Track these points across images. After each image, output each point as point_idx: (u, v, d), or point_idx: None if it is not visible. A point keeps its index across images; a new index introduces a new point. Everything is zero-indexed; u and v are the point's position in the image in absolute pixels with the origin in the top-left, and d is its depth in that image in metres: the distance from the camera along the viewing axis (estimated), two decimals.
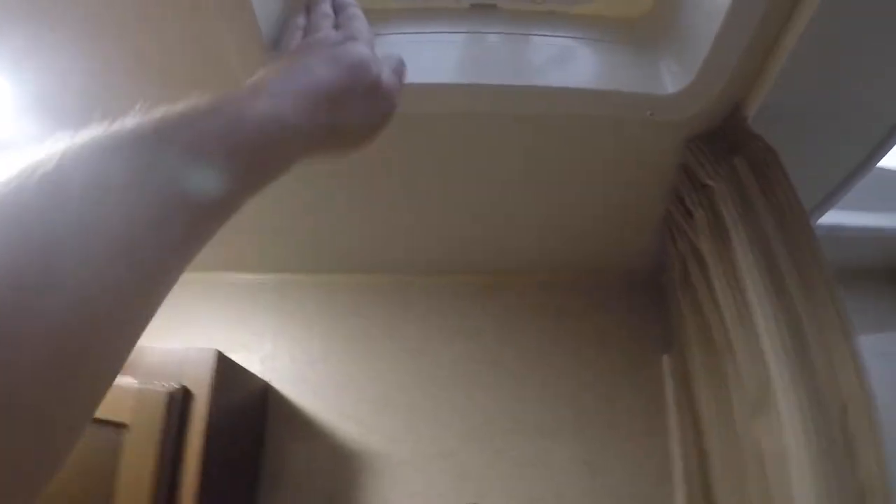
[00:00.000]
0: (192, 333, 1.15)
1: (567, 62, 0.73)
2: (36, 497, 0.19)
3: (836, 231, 1.36)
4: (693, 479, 1.00)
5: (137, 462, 0.81)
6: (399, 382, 1.15)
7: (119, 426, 0.83)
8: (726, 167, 0.77)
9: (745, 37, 0.69)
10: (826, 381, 0.71)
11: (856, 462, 0.66)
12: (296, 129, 0.31)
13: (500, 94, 0.71)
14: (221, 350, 0.94)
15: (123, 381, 0.84)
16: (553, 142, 0.84)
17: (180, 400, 0.86)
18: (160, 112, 0.25)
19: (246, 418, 1.06)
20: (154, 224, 0.22)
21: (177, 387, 0.87)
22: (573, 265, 1.26)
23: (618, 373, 1.19)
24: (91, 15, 0.59)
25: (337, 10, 0.47)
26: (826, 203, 1.15)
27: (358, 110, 0.38)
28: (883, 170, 1.31)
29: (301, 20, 0.47)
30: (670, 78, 0.76)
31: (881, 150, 1.01)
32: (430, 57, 0.72)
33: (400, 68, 0.46)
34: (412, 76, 0.52)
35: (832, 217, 1.34)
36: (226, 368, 0.95)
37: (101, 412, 0.23)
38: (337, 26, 0.45)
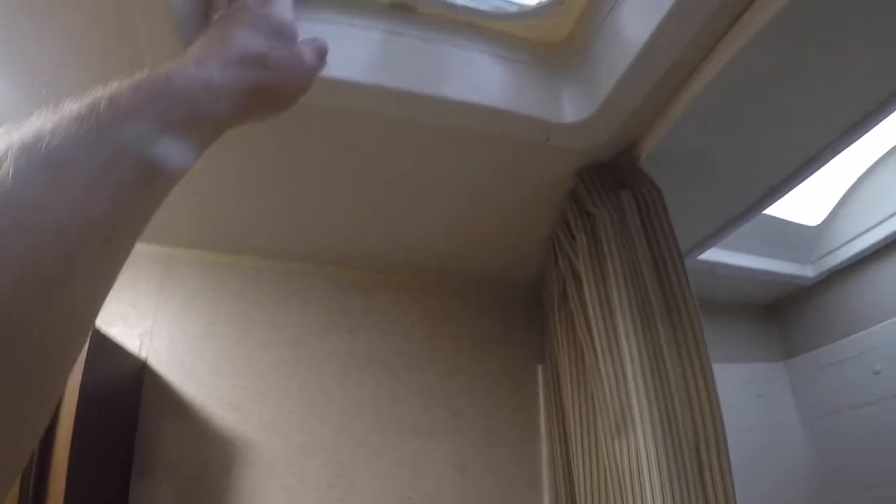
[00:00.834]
0: None
1: (475, 76, 0.74)
2: (39, 423, 0.22)
3: (716, 267, 1.48)
4: (560, 489, 1.05)
5: None
6: (277, 371, 1.13)
7: None
8: (612, 198, 0.81)
9: (650, 81, 0.71)
10: (682, 410, 0.76)
11: (706, 488, 0.72)
12: (224, 91, 0.33)
13: (405, 99, 0.71)
14: (99, 321, 0.88)
15: None
16: (450, 151, 0.84)
17: None
18: (99, 89, 0.26)
19: (120, 397, 1.01)
20: (103, 195, 0.24)
21: None
22: (458, 271, 1.28)
23: (495, 379, 1.22)
24: None
25: None
26: (708, 242, 1.23)
27: (282, 73, 0.40)
28: (769, 217, 1.44)
29: None
30: (572, 108, 0.78)
31: (769, 200, 1.08)
32: (343, 51, 0.71)
33: (323, 48, 0.47)
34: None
35: (714, 254, 1.46)
36: (99, 345, 0.90)
37: None
38: None
